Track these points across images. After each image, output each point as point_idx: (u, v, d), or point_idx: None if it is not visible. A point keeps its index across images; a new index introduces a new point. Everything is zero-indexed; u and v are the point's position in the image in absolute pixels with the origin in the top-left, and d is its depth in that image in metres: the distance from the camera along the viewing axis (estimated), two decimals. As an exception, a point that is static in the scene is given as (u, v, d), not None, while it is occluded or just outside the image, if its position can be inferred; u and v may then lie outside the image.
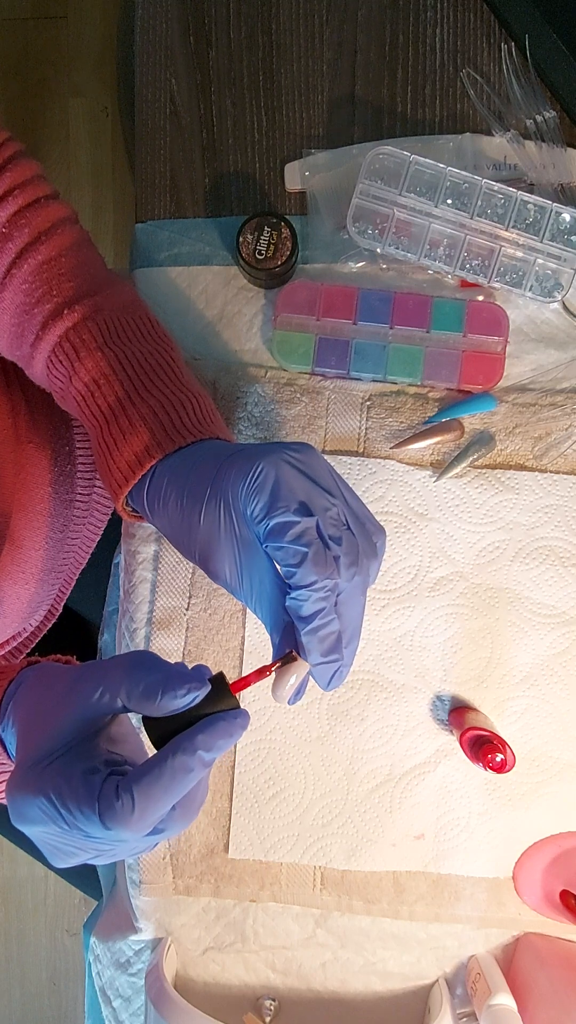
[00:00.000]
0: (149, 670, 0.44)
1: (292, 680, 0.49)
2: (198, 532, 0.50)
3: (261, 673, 0.48)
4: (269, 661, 0.51)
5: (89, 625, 0.97)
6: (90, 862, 0.46)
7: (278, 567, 0.50)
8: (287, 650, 0.50)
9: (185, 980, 0.68)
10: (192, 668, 0.45)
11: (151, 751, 0.46)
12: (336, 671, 0.49)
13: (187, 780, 0.43)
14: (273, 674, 0.49)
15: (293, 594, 0.48)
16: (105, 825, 0.41)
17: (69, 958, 1.69)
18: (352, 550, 0.49)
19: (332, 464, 0.66)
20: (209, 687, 0.44)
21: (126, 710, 0.45)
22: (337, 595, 0.49)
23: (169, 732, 0.44)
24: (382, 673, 0.66)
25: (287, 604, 0.48)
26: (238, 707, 0.46)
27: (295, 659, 0.48)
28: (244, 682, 0.47)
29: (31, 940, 1.70)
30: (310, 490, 0.48)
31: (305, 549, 0.47)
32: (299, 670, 0.49)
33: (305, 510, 0.48)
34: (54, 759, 0.44)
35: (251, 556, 0.50)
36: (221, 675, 0.46)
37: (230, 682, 0.46)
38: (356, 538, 0.50)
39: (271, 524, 0.47)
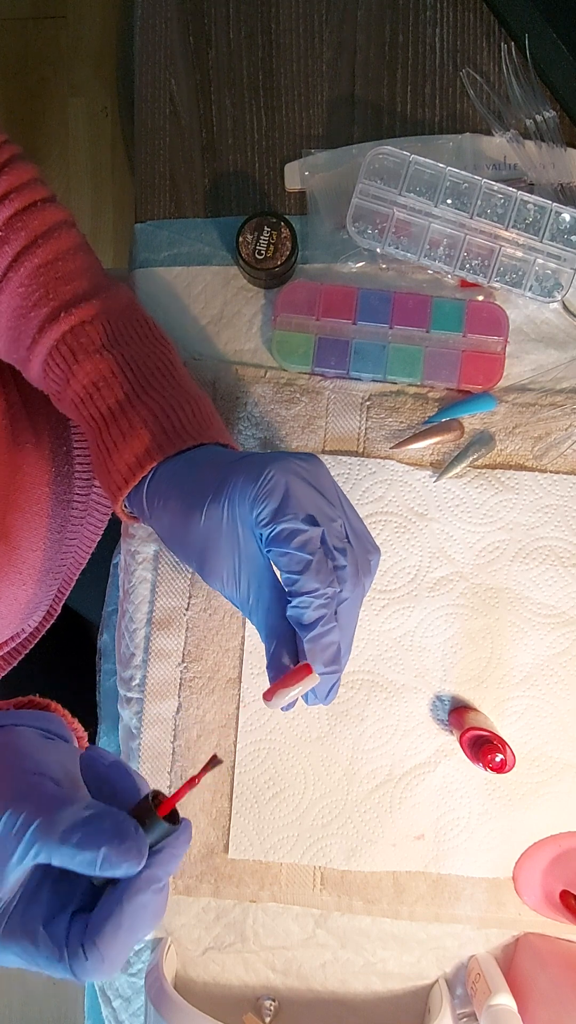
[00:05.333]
0: (81, 840, 0.41)
1: (296, 691, 0.49)
2: (197, 533, 0.50)
3: (190, 784, 0.44)
4: (269, 664, 0.51)
5: (89, 625, 0.97)
6: None
7: (279, 574, 0.50)
8: (279, 667, 0.50)
9: (185, 980, 0.68)
10: (117, 814, 0.42)
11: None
12: (336, 683, 0.50)
13: (147, 915, 0.41)
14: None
15: (295, 602, 0.48)
16: (79, 979, 0.41)
17: (69, 958, 1.69)
18: (354, 563, 0.50)
19: (332, 464, 0.67)
20: (144, 859, 0.41)
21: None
22: (338, 605, 0.50)
23: None
24: (382, 673, 0.66)
25: (288, 613, 0.49)
26: (176, 823, 0.43)
27: (221, 762, 0.45)
28: (176, 796, 0.44)
29: (31, 940, 1.70)
30: (317, 501, 0.49)
31: (309, 557, 0.47)
32: (306, 684, 0.49)
33: (311, 520, 0.48)
34: (11, 913, 0.42)
35: (251, 561, 0.50)
36: (148, 798, 0.43)
37: (164, 797, 0.43)
38: (356, 553, 0.50)
39: (277, 529, 0.48)
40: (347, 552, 0.50)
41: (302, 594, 0.48)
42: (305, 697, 0.51)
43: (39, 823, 0.41)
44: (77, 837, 0.41)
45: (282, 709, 0.50)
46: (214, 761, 0.45)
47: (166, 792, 0.45)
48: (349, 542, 0.50)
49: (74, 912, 0.42)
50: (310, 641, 0.48)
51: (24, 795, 0.43)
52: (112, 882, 0.42)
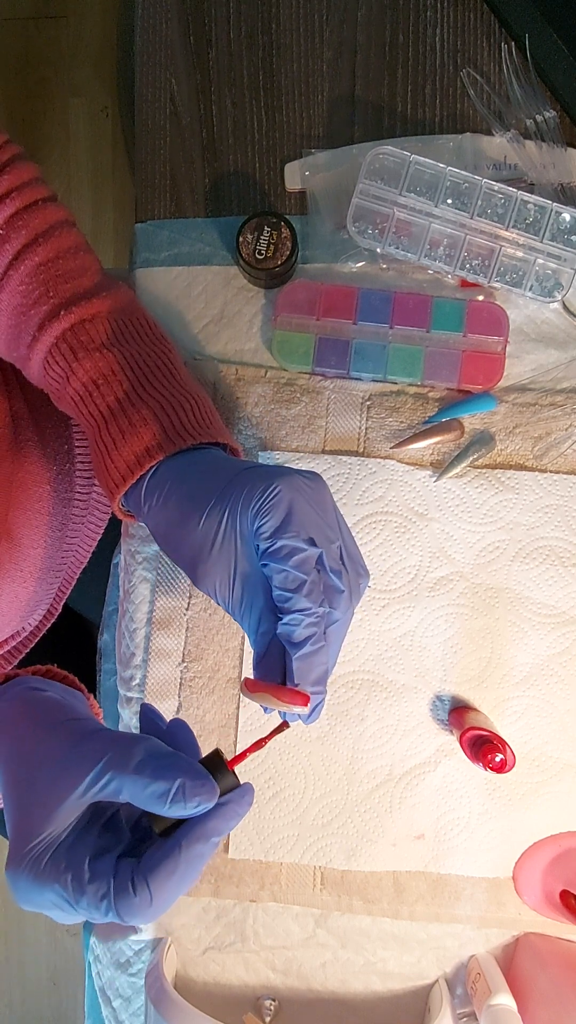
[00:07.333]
0: (156, 771, 0.43)
1: (281, 707, 0.50)
2: (194, 536, 0.51)
3: (257, 745, 0.47)
4: (256, 665, 0.51)
5: (89, 625, 0.97)
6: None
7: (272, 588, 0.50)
8: (267, 668, 0.50)
9: (185, 980, 0.68)
10: (198, 761, 0.44)
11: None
12: (320, 702, 0.50)
13: (200, 867, 0.43)
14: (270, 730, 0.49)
15: (286, 619, 0.49)
16: (121, 918, 0.41)
17: (69, 958, 1.70)
18: (348, 586, 0.51)
19: (332, 464, 0.67)
20: (216, 799, 0.44)
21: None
22: (329, 626, 0.50)
23: (175, 820, 0.44)
24: (382, 673, 0.66)
25: (279, 631, 0.49)
26: (238, 784, 0.46)
27: (288, 727, 0.49)
28: (241, 756, 0.46)
29: (31, 940, 1.70)
30: (318, 522, 0.50)
31: (304, 576, 0.48)
32: (293, 708, 0.49)
33: (311, 540, 0.49)
34: (57, 845, 0.43)
35: (246, 568, 0.51)
36: (217, 753, 0.46)
37: (227, 758, 0.46)
38: (350, 576, 0.51)
39: (277, 545, 0.48)
40: (342, 575, 0.50)
41: (294, 612, 0.48)
42: (283, 713, 0.51)
43: (111, 755, 0.43)
44: (152, 767, 0.42)
45: (263, 710, 0.51)
46: (283, 727, 0.48)
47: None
48: (344, 565, 0.51)
49: (119, 857, 0.43)
50: (299, 659, 0.48)
51: (86, 737, 0.45)
52: (167, 833, 0.43)
